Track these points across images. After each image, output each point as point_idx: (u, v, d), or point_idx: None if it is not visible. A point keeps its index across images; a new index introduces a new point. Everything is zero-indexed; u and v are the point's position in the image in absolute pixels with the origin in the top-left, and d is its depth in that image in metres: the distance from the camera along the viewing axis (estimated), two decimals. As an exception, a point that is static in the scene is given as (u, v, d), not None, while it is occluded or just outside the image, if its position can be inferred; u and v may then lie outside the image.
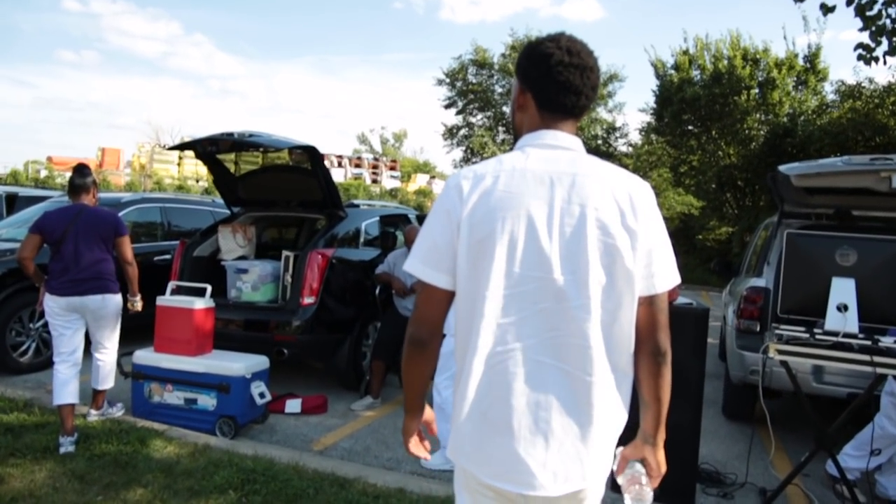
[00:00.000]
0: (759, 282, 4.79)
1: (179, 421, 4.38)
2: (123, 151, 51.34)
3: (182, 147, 5.39)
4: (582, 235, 1.43)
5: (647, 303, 1.50)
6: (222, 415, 4.31)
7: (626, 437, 1.61)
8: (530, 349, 1.44)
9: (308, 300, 5.16)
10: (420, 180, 64.00)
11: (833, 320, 3.20)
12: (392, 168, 67.30)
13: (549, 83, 1.53)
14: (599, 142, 27.34)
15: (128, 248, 4.38)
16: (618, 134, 27.53)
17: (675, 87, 22.61)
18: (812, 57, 21.48)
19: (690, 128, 22.63)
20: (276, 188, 6.03)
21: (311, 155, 5.31)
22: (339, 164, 67.12)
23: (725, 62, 21.62)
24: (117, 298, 4.26)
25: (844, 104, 18.72)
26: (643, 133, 26.76)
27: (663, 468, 1.61)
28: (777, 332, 3.30)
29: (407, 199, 48.16)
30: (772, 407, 5.65)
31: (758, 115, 21.71)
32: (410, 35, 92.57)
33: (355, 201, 7.01)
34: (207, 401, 4.35)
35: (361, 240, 6.00)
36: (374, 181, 61.50)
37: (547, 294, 1.44)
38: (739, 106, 21.43)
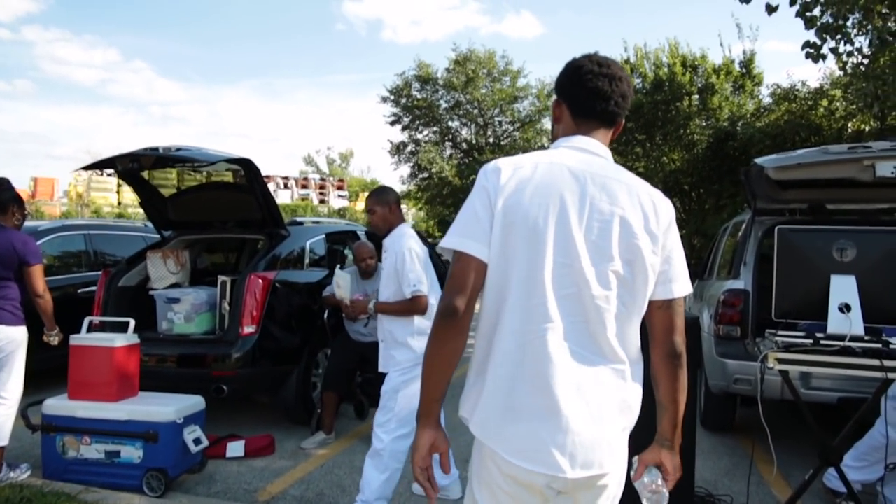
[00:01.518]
0: (738, 284, 4.49)
1: (100, 479, 3.78)
2: (59, 181, 49.06)
3: (97, 166, 4.80)
4: (609, 231, 1.51)
5: (666, 307, 1.58)
6: (150, 468, 3.73)
7: (643, 443, 1.68)
8: (555, 332, 1.48)
9: (248, 329, 4.62)
10: (368, 199, 63.14)
11: (836, 322, 2.88)
12: (339, 188, 66.38)
13: (579, 90, 1.63)
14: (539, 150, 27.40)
15: (37, 279, 3.84)
16: (563, 145, 27.59)
17: (619, 96, 22.74)
18: (747, 63, 22.01)
19: (635, 135, 22.84)
20: (211, 208, 5.49)
21: (247, 169, 4.80)
22: (286, 186, 65.84)
23: (666, 69, 21.97)
24: (16, 332, 3.67)
25: (781, 106, 19.18)
26: (588, 142, 26.87)
27: (679, 471, 1.67)
28: (776, 338, 2.96)
29: (356, 218, 47.45)
30: (750, 415, 5.38)
31: (699, 120, 22.09)
32: (354, 56, 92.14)
33: (299, 218, 6.49)
34: (132, 452, 3.77)
35: (307, 260, 5.48)
36: (322, 201, 60.51)
37: (572, 281, 1.49)
38: (682, 112, 21.75)
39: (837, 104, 17.72)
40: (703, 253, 21.73)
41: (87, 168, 4.80)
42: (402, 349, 3.37)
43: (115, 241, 7.14)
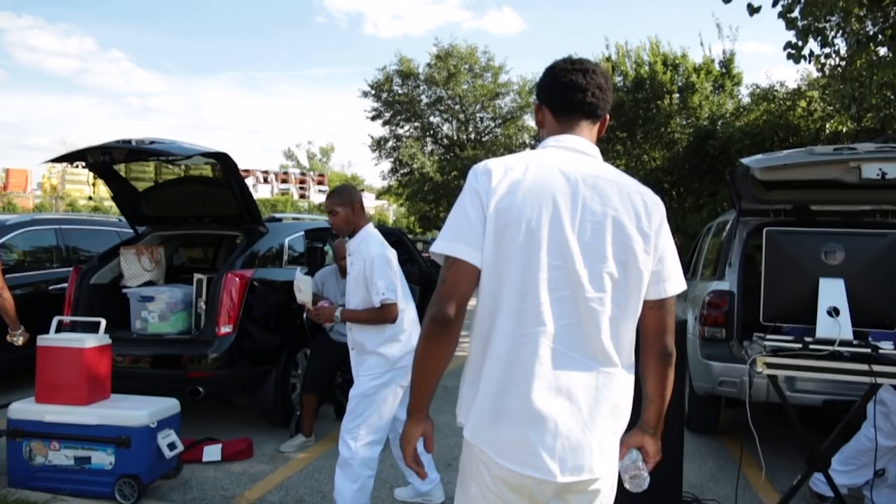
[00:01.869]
0: (722, 285, 4.46)
1: (69, 485, 3.64)
2: (32, 173, 47.98)
3: (68, 158, 4.63)
4: (602, 232, 1.50)
5: (658, 306, 1.58)
6: (122, 474, 3.59)
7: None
8: (547, 335, 1.48)
9: (225, 329, 4.49)
10: (348, 194, 62.89)
11: (825, 327, 2.84)
12: (320, 182, 66.05)
13: (555, 87, 1.66)
14: (528, 150, 27.40)
15: None
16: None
17: (600, 94, 22.84)
18: (727, 62, 22.21)
19: (616, 133, 22.92)
20: (186, 203, 5.34)
21: (224, 164, 4.66)
22: (266, 180, 65.36)
23: (647, 68, 22.07)
24: None
25: (760, 106, 19.36)
26: (570, 140, 26.96)
27: (660, 454, 1.73)
28: (764, 342, 2.92)
29: (336, 213, 47.03)
30: (734, 417, 5.37)
31: (680, 119, 22.24)
32: (335, 50, 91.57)
33: (277, 215, 6.34)
34: (104, 458, 3.63)
35: (285, 257, 5.36)
36: (302, 196, 60.15)
37: (566, 283, 1.49)
38: (662, 110, 21.87)
39: (815, 105, 17.91)
40: (684, 251, 21.88)
41: (56, 160, 4.63)
42: (374, 356, 3.24)
43: (88, 237, 6.96)
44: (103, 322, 3.95)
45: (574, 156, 1.59)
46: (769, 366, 2.87)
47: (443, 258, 1.54)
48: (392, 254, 3.29)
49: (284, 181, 64.13)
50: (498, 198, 1.50)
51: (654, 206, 1.57)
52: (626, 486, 1.66)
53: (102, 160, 4.55)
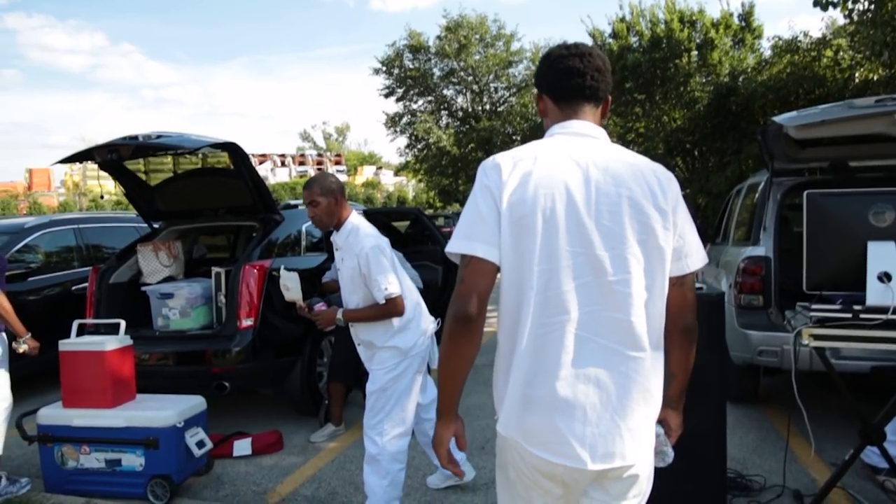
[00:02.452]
0: (758, 250, 4.26)
1: (102, 488, 3.63)
2: (54, 171, 48.59)
3: (74, 159, 4.55)
4: (619, 213, 1.49)
5: (679, 283, 1.57)
6: (154, 475, 3.56)
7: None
8: (572, 323, 1.47)
9: (246, 322, 4.42)
10: (367, 172, 63.11)
11: (876, 294, 2.66)
12: (337, 163, 66.03)
13: (553, 74, 1.63)
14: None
15: None
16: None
17: (616, 56, 22.35)
18: (746, 15, 21.53)
19: (634, 95, 22.42)
20: (200, 195, 5.24)
21: (234, 153, 4.55)
22: (283, 164, 65.54)
23: (663, 26, 21.47)
24: None
25: (783, 59, 18.75)
26: (587, 104, 26.47)
27: (681, 428, 1.75)
28: (810, 313, 2.75)
29: (355, 192, 47.26)
30: (774, 385, 5.20)
31: (699, 77, 21.66)
32: (343, 28, 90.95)
33: (292, 201, 6.22)
34: (134, 460, 3.60)
35: (303, 244, 5.26)
36: (320, 178, 60.08)
37: (588, 269, 1.48)
38: (681, 69, 21.30)
39: (843, 54, 17.29)
40: (709, 212, 21.51)
41: (64, 161, 4.56)
42: (385, 350, 3.08)
43: (107, 234, 6.93)
44: (123, 323, 3.89)
45: (582, 140, 1.58)
46: (816, 337, 2.71)
47: (459, 257, 1.52)
48: (384, 242, 3.08)
49: (302, 163, 64.27)
50: (510, 191, 1.49)
51: (668, 182, 1.56)
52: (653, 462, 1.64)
53: (110, 158, 4.46)
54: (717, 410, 3.00)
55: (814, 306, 2.79)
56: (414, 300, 3.18)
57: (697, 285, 3.10)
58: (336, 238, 3.14)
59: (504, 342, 1.56)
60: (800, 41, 18.32)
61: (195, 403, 3.83)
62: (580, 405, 1.46)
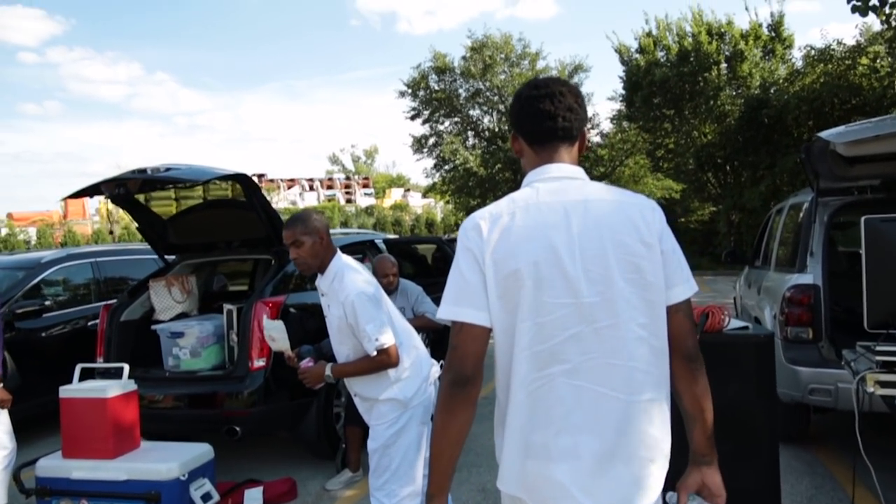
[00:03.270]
0: (805, 278, 3.92)
1: (102, 544, 3.42)
2: (88, 200, 49.68)
3: (83, 193, 4.42)
4: (604, 257, 1.46)
5: (673, 311, 1.53)
6: (155, 532, 3.34)
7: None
8: (566, 374, 1.46)
9: (258, 363, 4.21)
10: (395, 195, 63.34)
11: (951, 333, 2.33)
12: (365, 185, 66.34)
13: (524, 118, 1.60)
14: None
15: None
16: (589, 125, 26.72)
17: (643, 71, 22.09)
18: (776, 25, 21.11)
19: (663, 111, 22.05)
20: (214, 228, 5.08)
21: (244, 185, 4.38)
22: (311, 188, 66.10)
23: (690, 39, 21.15)
24: None
25: (816, 69, 18.26)
26: (614, 121, 26.14)
27: (723, 491, 1.56)
28: (875, 356, 2.42)
29: (383, 214, 47.38)
30: (820, 421, 4.79)
31: (729, 90, 21.23)
32: (371, 51, 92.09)
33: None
34: (135, 515, 3.38)
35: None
36: (349, 201, 60.46)
37: (578, 318, 1.45)
38: (710, 83, 20.94)
39: (881, 61, 16.74)
40: (742, 228, 20.84)
41: (73, 196, 4.43)
42: (384, 404, 2.82)
43: (125, 267, 6.83)
44: (126, 367, 3.70)
45: (559, 185, 1.55)
46: (882, 384, 2.38)
47: (450, 323, 1.51)
48: (373, 285, 2.81)
49: (330, 187, 64.80)
50: (492, 249, 1.48)
51: (651, 213, 1.53)
52: None
53: (117, 192, 4.32)
54: (768, 465, 2.67)
55: (879, 347, 2.46)
56: (411, 345, 2.91)
57: (742, 324, 2.79)
58: (321, 283, 2.88)
59: (500, 398, 1.57)
60: (833, 50, 17.82)
61: (201, 452, 3.61)
62: (580, 456, 1.44)
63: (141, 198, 4.88)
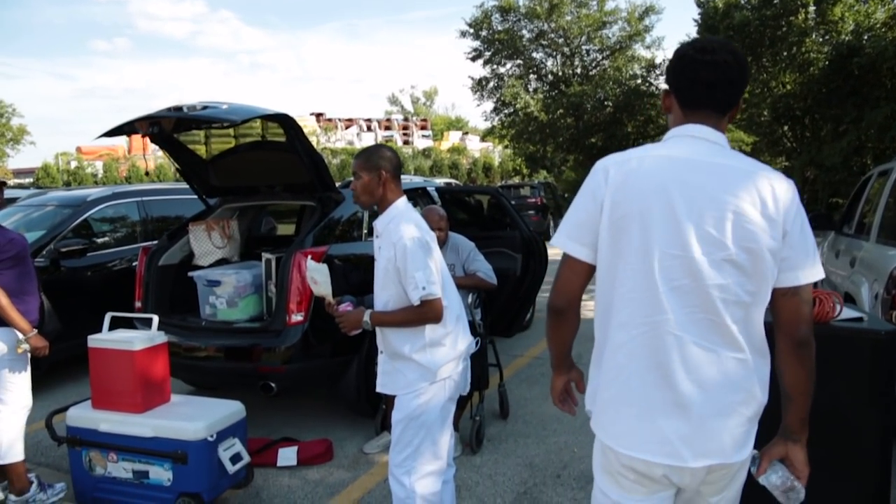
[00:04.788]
0: (918, 256, 3.37)
1: (130, 500, 3.29)
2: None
3: (117, 132, 4.17)
4: (722, 219, 1.46)
5: (790, 294, 1.51)
6: (182, 492, 3.18)
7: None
8: (668, 323, 1.49)
9: (296, 318, 3.96)
10: (453, 137, 62.59)
11: None
12: (423, 128, 65.67)
13: (683, 81, 1.61)
14: (638, 81, 25.24)
15: None
16: (658, 72, 25.31)
17: (721, 14, 20.63)
18: (878, -38, 19.18)
19: (740, 58, 20.60)
20: (258, 171, 4.80)
21: (285, 126, 4.05)
22: (369, 129, 65.86)
23: (776, -22, 19.48)
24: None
25: (923, 12, 16.59)
26: (686, 68, 24.66)
27: (807, 466, 1.57)
28: None
29: (440, 157, 46.95)
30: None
31: (816, 36, 19.61)
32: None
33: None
34: (162, 474, 3.22)
35: (365, 228, 4.73)
36: (406, 142, 59.98)
37: (685, 272, 1.48)
38: (795, 27, 19.36)
39: None
40: (818, 186, 19.59)
41: (107, 134, 4.19)
42: (410, 366, 2.54)
43: (172, 207, 6.69)
44: (156, 319, 3.49)
45: (695, 144, 1.56)
46: None
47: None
48: (431, 237, 2.56)
49: (388, 128, 64.50)
50: (613, 191, 1.53)
51: (781, 191, 1.50)
52: (782, 501, 1.56)
53: (151, 131, 4.06)
54: (878, 483, 2.25)
55: None
56: (455, 314, 2.63)
57: (856, 314, 2.33)
58: (377, 223, 2.66)
59: (598, 336, 1.63)
60: (943, -10, 16.07)
61: (232, 411, 3.42)
62: (679, 405, 1.48)
63: (181, 137, 4.63)
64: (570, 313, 1.64)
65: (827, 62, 18.26)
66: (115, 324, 3.53)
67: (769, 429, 1.61)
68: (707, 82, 1.54)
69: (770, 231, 1.46)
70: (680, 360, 1.47)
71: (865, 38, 18.40)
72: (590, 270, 1.60)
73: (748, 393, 1.50)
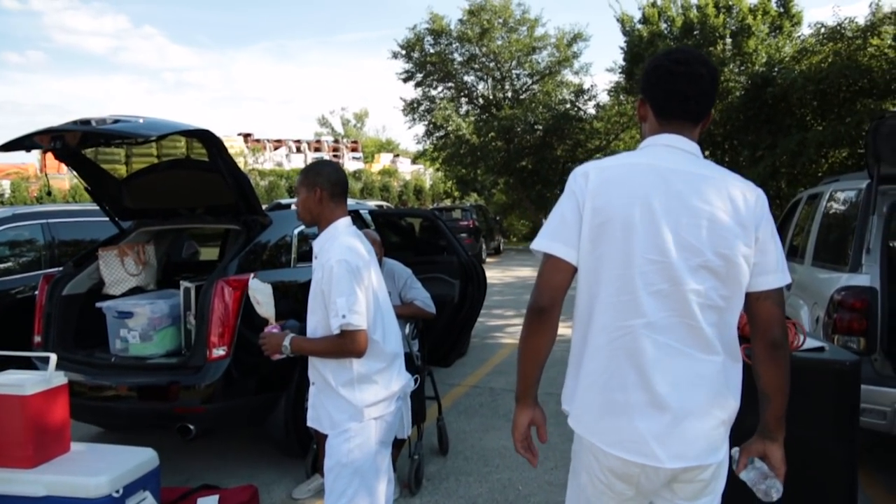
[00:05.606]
0: (860, 279, 3.37)
1: (19, 569, 2.85)
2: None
3: (14, 146, 3.74)
4: (698, 227, 1.53)
5: (763, 297, 1.57)
6: (82, 558, 2.78)
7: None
8: (647, 327, 1.53)
9: (218, 352, 3.61)
10: (384, 160, 62.34)
11: None
12: (353, 149, 65.08)
13: (658, 92, 1.65)
14: (567, 105, 25.79)
15: None
16: (586, 96, 25.96)
17: (645, 42, 21.42)
18: (785, 1, 20.47)
19: (664, 85, 21.41)
20: (174, 192, 4.43)
21: (207, 143, 3.73)
22: (298, 150, 64.78)
23: (696, 12, 20.50)
24: None
25: (825, 48, 17.66)
26: (612, 94, 25.43)
27: (784, 464, 1.62)
28: None
29: (371, 179, 46.56)
30: (870, 451, 4.27)
31: (733, 66, 20.63)
32: (365, 13, 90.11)
33: (283, 201, 5.37)
34: (58, 537, 2.81)
35: (293, 254, 4.42)
36: (336, 164, 59.08)
37: (664, 276, 1.53)
38: (714, 57, 20.25)
39: (892, 42, 16.13)
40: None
41: (4, 148, 3.75)
42: (337, 401, 2.33)
43: (82, 230, 6.14)
44: (53, 357, 3.08)
45: (671, 153, 1.61)
46: None
47: (542, 255, 1.62)
48: (364, 262, 2.34)
49: (317, 150, 63.75)
50: (594, 197, 1.57)
51: (753, 199, 1.56)
52: (760, 497, 1.62)
53: (54, 146, 3.66)
54: (847, 476, 2.14)
55: None
56: (392, 350, 2.43)
57: (818, 344, 2.24)
58: (315, 243, 2.47)
59: (577, 339, 1.65)
60: (844, 28, 17.17)
61: (143, 460, 3.03)
62: (656, 406, 1.52)
63: (90, 153, 4.22)
64: (552, 314, 1.60)
65: (743, 91, 19.22)
66: (6, 363, 3.11)
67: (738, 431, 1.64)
68: (682, 94, 1.59)
69: (743, 237, 1.52)
70: (657, 363, 1.52)
71: (776, 70, 19.46)
72: (572, 272, 1.60)
73: (722, 396, 1.55)
